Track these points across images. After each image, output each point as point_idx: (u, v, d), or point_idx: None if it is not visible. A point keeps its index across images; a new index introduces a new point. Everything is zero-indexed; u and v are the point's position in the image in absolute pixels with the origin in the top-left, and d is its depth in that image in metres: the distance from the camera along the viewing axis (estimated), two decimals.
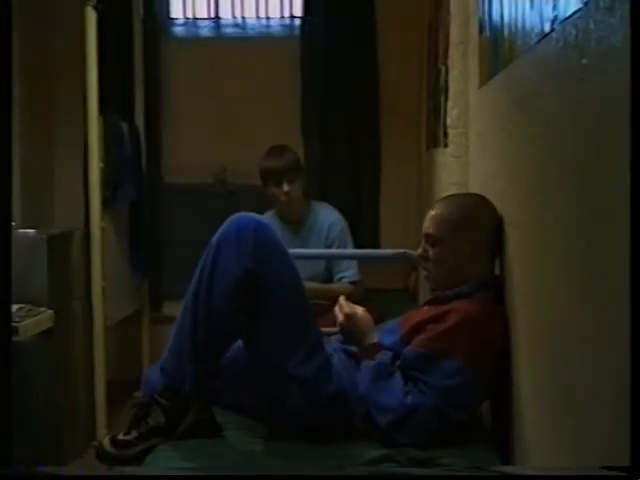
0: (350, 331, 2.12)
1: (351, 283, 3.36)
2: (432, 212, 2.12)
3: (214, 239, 1.98)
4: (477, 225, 2.06)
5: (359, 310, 2.15)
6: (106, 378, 3.51)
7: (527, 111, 1.67)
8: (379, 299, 3.39)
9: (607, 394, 1.08)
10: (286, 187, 3.31)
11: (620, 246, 1.01)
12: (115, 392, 3.66)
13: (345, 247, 3.41)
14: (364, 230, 4.17)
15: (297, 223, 3.43)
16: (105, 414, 3.49)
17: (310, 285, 3.17)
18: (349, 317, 2.12)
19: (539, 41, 1.52)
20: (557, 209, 1.41)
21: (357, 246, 3.62)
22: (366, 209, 4.27)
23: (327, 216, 3.46)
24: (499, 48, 2.02)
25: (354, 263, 3.38)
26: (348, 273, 3.36)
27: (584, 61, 1.20)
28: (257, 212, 2.18)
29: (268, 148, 3.48)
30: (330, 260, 3.40)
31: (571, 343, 1.30)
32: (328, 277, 3.43)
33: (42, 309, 2.93)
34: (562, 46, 1.33)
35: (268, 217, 3.42)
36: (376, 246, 4.13)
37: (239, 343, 2.07)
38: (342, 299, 2.20)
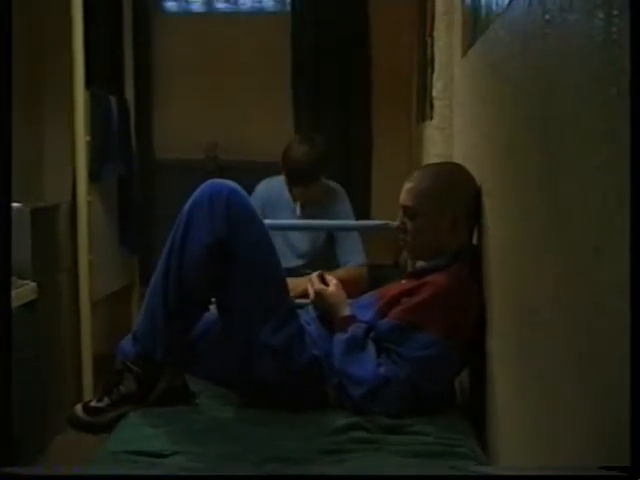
0: (320, 307, 2.13)
1: (358, 266, 3.29)
2: (409, 184, 2.10)
3: (187, 205, 1.96)
4: (454, 196, 2.04)
5: (331, 285, 2.14)
6: (94, 353, 3.50)
7: (499, 76, 1.65)
8: (369, 275, 3.37)
9: (570, 355, 1.07)
10: (295, 190, 3.16)
11: (585, 204, 0.99)
12: (103, 368, 3.65)
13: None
14: (355, 204, 4.11)
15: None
16: (92, 389, 3.48)
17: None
18: (318, 294, 2.12)
19: (510, 3, 1.50)
20: (525, 172, 1.39)
21: None
22: (357, 183, 4.25)
23: (331, 194, 3.37)
24: (478, 16, 2.00)
25: (360, 246, 3.31)
26: (355, 257, 3.29)
27: (547, 17, 1.18)
28: (248, 188, 2.12)
29: (296, 137, 3.28)
30: (333, 241, 3.32)
31: (538, 309, 1.29)
32: (325, 254, 3.36)
33: (25, 282, 2.91)
34: (528, 4, 1.32)
35: (280, 180, 3.27)
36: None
37: (214, 313, 2.06)
38: (314, 275, 2.20)
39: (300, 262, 3.29)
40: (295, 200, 3.20)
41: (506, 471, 1.33)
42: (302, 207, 3.18)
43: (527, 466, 1.37)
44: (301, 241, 3.31)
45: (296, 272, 3.16)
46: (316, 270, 2.71)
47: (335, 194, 3.36)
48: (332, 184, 3.39)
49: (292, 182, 3.17)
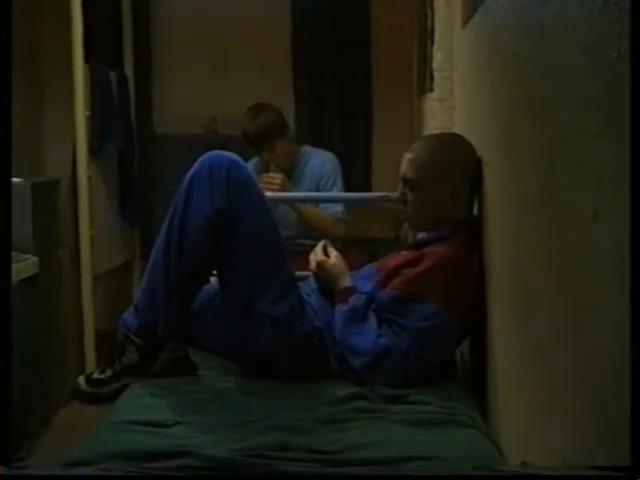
0: (322, 278, 2.13)
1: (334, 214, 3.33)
2: (410, 155, 2.09)
3: (187, 177, 1.96)
4: (455, 167, 2.04)
5: (332, 256, 2.14)
6: (95, 328, 3.51)
7: (499, 45, 1.64)
8: (370, 248, 3.40)
9: (570, 325, 1.08)
10: (266, 155, 3.29)
11: (584, 172, 0.99)
12: (104, 342, 3.66)
13: (335, 183, 3.38)
14: (356, 177, 4.15)
15: (288, 169, 3.38)
16: (94, 364, 3.49)
17: (303, 207, 3.20)
18: (320, 265, 2.12)
19: None
20: (525, 142, 1.39)
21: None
22: (358, 156, 4.26)
23: (318, 157, 3.42)
24: None
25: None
26: (334, 207, 3.34)
27: None
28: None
29: (247, 108, 3.41)
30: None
31: (538, 279, 1.29)
32: None
33: (26, 256, 2.91)
34: None
35: (256, 163, 3.38)
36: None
37: (215, 284, 2.07)
38: (319, 246, 2.20)
39: (299, 229, 3.31)
40: (268, 165, 3.30)
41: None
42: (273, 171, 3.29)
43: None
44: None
45: (295, 239, 3.20)
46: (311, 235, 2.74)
47: (312, 151, 3.45)
48: (313, 150, 3.49)
49: (251, 147, 3.30)
